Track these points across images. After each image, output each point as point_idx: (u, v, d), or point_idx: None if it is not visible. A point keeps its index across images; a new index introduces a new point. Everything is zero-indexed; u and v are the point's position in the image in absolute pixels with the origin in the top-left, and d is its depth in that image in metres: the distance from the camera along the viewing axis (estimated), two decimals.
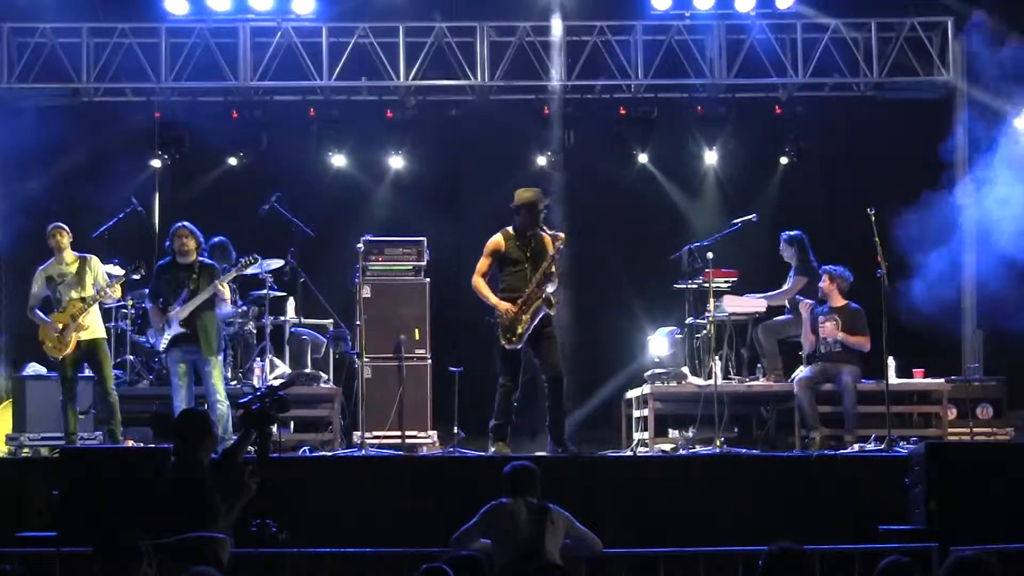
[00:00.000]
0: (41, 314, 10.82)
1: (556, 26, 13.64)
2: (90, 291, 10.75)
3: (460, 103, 14.29)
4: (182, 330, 10.64)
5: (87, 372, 11.01)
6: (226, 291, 10.88)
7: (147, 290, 11.25)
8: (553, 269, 10.29)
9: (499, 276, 10.42)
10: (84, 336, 10.70)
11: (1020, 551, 7.82)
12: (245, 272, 11.35)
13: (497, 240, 10.43)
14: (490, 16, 13.95)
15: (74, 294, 10.74)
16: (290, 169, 13.88)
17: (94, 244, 11.84)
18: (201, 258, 10.96)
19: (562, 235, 10.41)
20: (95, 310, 10.83)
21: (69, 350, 10.66)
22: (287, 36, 13.79)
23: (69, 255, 10.88)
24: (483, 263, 10.43)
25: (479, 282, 10.38)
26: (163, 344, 10.77)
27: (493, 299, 10.28)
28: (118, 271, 11.02)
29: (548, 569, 6.16)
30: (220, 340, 10.98)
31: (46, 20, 13.61)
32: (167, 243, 10.96)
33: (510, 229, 10.47)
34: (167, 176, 13.86)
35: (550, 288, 10.25)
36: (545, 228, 10.40)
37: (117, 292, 11.00)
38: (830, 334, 11.48)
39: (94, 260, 10.94)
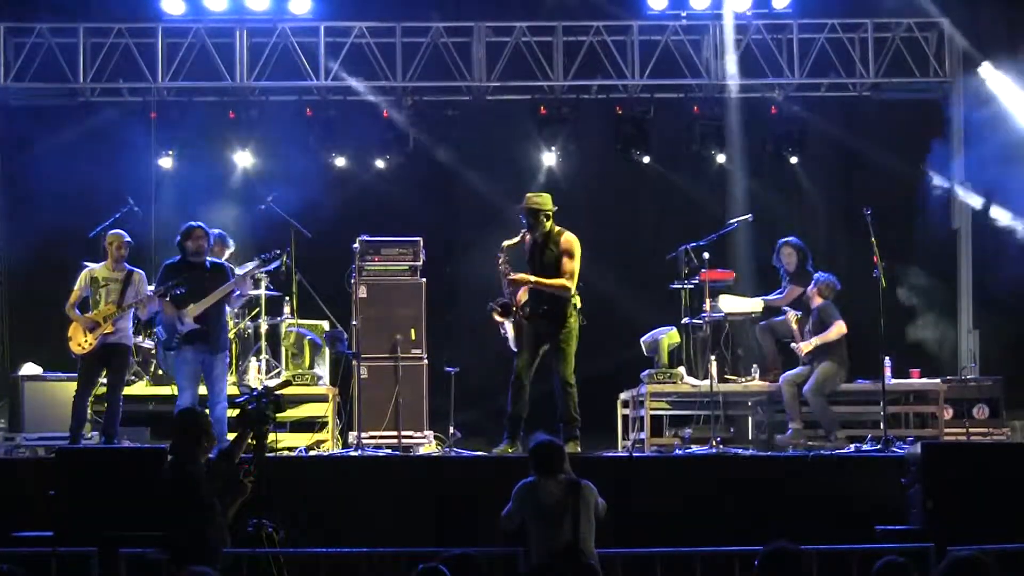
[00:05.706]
0: (78, 312, 10.80)
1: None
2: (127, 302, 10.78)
3: (456, 103, 14.28)
4: (196, 327, 10.60)
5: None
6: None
7: (154, 287, 11.10)
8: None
9: None
10: (111, 339, 10.69)
11: (1017, 551, 7.82)
12: (268, 268, 11.29)
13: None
14: (486, 16, 13.95)
15: (111, 301, 10.74)
16: (286, 169, 13.86)
17: (90, 244, 11.82)
18: (211, 258, 10.94)
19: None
20: (128, 318, 10.85)
21: (91, 348, 10.65)
22: (284, 36, 13.79)
23: (120, 265, 10.88)
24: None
25: None
26: (175, 341, 10.67)
27: None
28: (151, 288, 10.99)
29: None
30: (227, 339, 10.92)
31: (43, 20, 13.60)
32: (178, 241, 10.84)
33: None
34: (163, 176, 13.84)
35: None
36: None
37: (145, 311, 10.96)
38: (802, 352, 11.53)
39: (139, 275, 10.93)
